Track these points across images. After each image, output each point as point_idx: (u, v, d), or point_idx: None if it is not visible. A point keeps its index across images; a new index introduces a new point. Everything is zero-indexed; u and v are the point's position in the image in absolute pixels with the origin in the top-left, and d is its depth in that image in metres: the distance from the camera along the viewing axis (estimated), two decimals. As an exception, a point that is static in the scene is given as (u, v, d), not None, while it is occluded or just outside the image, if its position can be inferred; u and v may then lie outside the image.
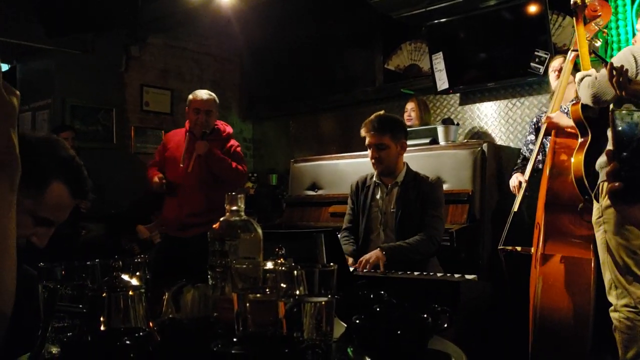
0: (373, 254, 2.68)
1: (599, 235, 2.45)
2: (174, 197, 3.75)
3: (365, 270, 2.64)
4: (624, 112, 0.88)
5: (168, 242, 3.89)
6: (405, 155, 2.98)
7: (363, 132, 2.90)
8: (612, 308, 2.42)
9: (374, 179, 2.97)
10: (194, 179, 3.64)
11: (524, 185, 3.28)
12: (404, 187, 2.88)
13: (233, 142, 3.84)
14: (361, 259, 2.70)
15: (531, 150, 3.55)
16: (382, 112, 2.98)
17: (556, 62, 3.58)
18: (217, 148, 3.69)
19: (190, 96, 3.76)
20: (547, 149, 3.25)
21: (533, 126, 3.76)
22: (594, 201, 2.49)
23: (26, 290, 0.97)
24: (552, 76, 3.59)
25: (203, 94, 3.73)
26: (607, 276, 2.43)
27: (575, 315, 2.66)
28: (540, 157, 3.39)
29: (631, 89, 2.20)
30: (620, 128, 0.88)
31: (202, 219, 3.60)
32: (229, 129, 3.88)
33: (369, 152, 2.89)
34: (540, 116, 3.62)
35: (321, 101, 5.97)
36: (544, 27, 4.23)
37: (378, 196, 2.94)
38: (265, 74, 6.49)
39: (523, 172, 3.43)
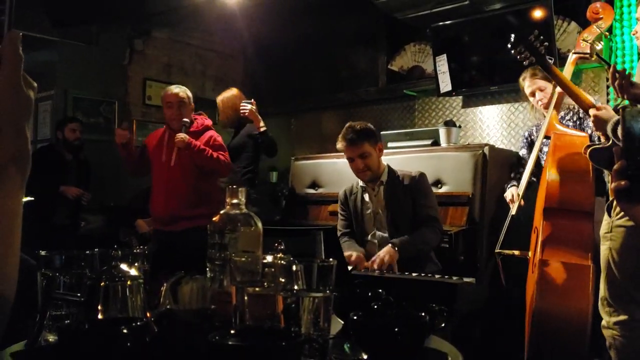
0: (385, 252, 2.68)
1: (603, 249, 2.42)
2: (160, 192, 3.78)
3: (363, 270, 2.63)
4: (634, 110, 0.87)
5: (158, 236, 3.90)
6: (406, 156, 3.00)
7: (340, 146, 2.94)
8: (603, 324, 2.39)
9: (360, 184, 3.03)
10: (178, 172, 3.68)
11: (517, 199, 3.21)
12: (389, 185, 2.94)
13: (212, 133, 3.86)
14: (374, 257, 2.69)
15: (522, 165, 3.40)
16: (349, 123, 2.98)
17: (528, 85, 3.24)
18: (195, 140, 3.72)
19: (162, 93, 3.89)
20: (542, 162, 3.11)
21: (525, 140, 3.54)
22: (606, 214, 2.42)
23: (24, 278, 0.97)
24: (533, 100, 3.30)
25: (173, 87, 3.84)
26: (602, 291, 2.40)
27: (573, 320, 2.64)
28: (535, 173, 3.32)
29: (632, 92, 2.18)
30: (630, 126, 0.87)
31: (190, 212, 3.64)
32: (208, 122, 3.91)
33: (351, 164, 2.93)
34: (533, 129, 3.50)
35: (324, 100, 5.96)
36: (549, 32, 4.22)
37: (367, 198, 3.00)
38: (269, 71, 6.48)
39: (518, 185, 3.30)
